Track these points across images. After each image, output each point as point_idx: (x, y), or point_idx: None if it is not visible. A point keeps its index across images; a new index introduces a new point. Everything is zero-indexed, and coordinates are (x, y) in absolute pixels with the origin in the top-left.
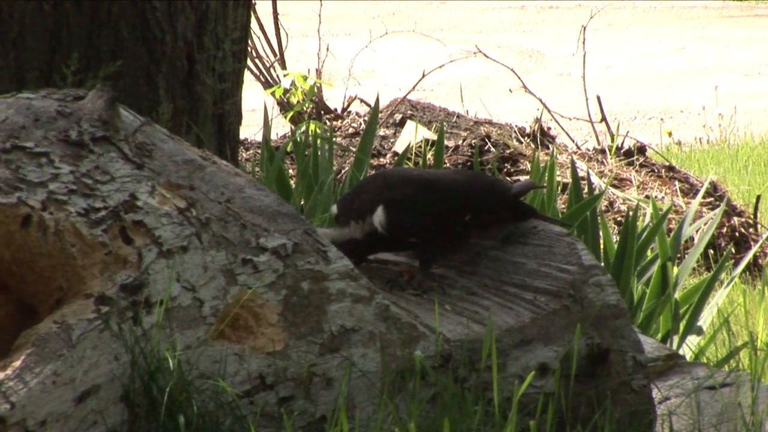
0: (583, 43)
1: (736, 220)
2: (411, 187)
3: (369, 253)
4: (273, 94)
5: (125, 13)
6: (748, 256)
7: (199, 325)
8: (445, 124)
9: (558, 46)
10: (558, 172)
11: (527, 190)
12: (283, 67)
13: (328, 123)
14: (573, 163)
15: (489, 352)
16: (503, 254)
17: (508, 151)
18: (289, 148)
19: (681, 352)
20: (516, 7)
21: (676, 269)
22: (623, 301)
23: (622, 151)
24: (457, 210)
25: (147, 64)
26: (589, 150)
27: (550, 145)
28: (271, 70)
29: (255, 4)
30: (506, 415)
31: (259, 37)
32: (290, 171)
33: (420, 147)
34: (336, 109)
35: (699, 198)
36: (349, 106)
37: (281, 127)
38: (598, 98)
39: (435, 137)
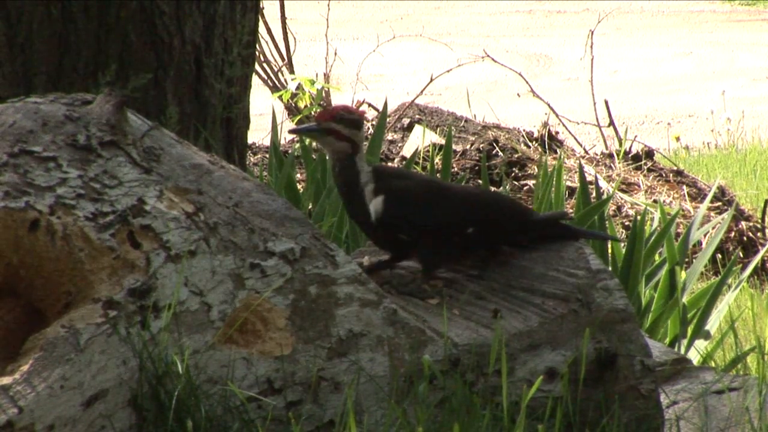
0: (591, 47)
1: (744, 224)
2: (416, 183)
3: (373, 238)
4: (281, 98)
5: (133, 17)
6: (756, 261)
7: (207, 329)
8: (453, 128)
9: (566, 50)
10: (566, 177)
11: (554, 220)
12: (291, 71)
13: None
14: (581, 167)
15: (497, 356)
16: (511, 258)
17: (516, 156)
18: (297, 149)
19: (689, 356)
20: (524, 11)
21: (684, 274)
22: (631, 305)
23: (630, 155)
24: (457, 219)
25: (155, 68)
26: (597, 154)
27: (558, 150)
28: (279, 74)
29: (263, 8)
30: (514, 420)
31: (267, 42)
32: (298, 175)
33: (428, 151)
34: None
35: (707, 202)
36: None
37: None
38: (606, 102)
39: (443, 142)
